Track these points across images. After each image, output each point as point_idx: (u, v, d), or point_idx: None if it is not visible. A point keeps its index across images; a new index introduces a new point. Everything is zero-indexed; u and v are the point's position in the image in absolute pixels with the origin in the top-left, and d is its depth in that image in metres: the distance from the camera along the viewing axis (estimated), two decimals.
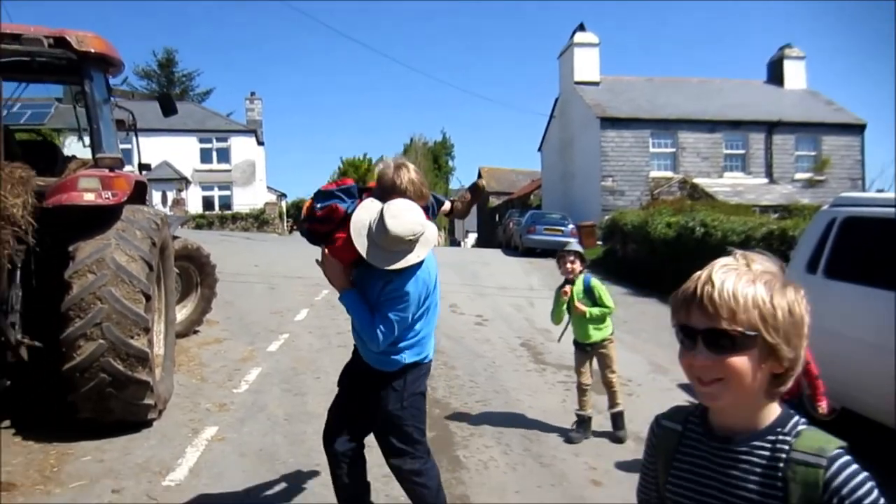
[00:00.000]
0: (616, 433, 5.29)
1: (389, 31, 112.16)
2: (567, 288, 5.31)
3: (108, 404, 4.68)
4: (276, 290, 12.12)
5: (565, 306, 5.34)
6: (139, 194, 5.40)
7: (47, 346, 4.57)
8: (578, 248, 5.51)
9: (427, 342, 3.21)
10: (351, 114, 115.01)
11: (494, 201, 45.91)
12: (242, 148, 38.68)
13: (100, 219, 4.78)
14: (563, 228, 21.56)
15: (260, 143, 40.33)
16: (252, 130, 39.30)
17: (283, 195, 47.65)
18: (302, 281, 12.60)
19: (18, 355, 4.50)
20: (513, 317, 10.83)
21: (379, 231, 2.87)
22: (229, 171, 38.33)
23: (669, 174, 24.25)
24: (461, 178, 71.91)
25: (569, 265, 5.33)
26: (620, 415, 5.33)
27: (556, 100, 29.43)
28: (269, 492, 4.13)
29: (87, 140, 5.37)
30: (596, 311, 5.24)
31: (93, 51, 4.94)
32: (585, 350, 5.36)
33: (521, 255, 21.66)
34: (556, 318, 5.46)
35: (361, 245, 2.91)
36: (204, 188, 38.05)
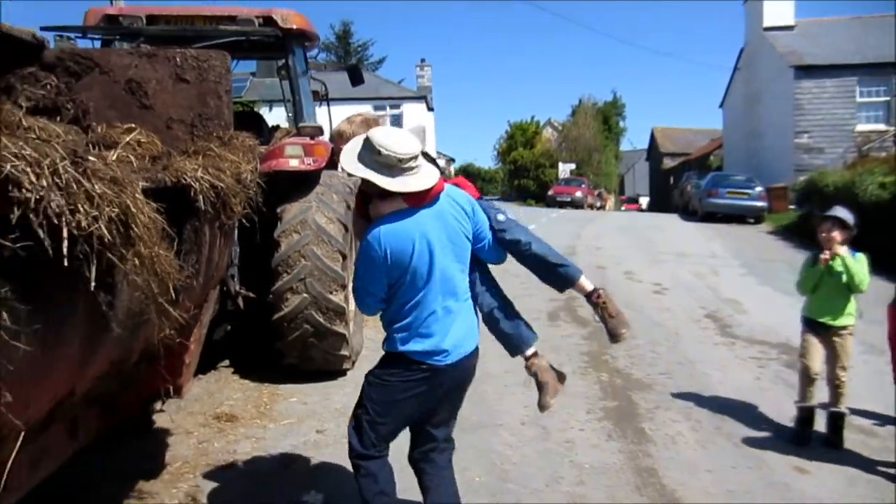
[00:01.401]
0: (833, 439, 4.48)
1: None
2: (827, 255, 4.48)
3: (310, 353, 5.12)
4: None
5: (818, 276, 4.55)
6: (332, 160, 5.74)
7: (259, 297, 5.05)
8: (841, 215, 4.53)
9: (416, 338, 2.60)
10: (518, 76, 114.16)
11: (668, 163, 43.49)
12: (413, 114, 39.81)
13: (302, 183, 5.16)
14: (749, 191, 19.93)
15: (430, 108, 41.31)
16: (422, 97, 40.31)
17: (451, 160, 48.69)
18: None
19: (237, 304, 5.02)
20: (695, 285, 10.24)
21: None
22: None
23: (882, 127, 21.33)
24: (633, 140, 68.81)
25: (823, 234, 4.53)
26: (841, 418, 4.52)
27: (742, 50, 26.97)
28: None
29: (289, 109, 5.78)
30: (857, 269, 4.39)
31: (295, 27, 5.29)
32: (818, 331, 4.59)
33: (700, 220, 20.37)
34: (804, 286, 4.69)
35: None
36: None
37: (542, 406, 3.03)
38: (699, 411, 5.04)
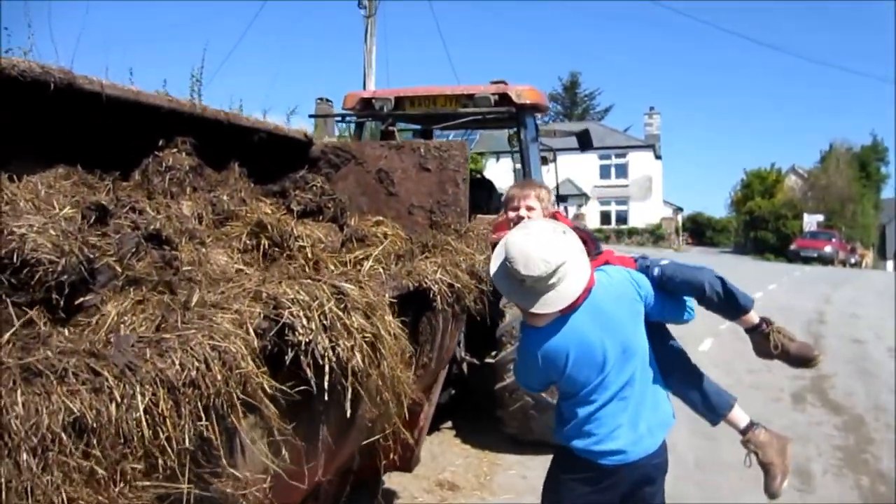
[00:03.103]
0: None
1: (797, 28, 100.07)
2: None
3: (530, 424, 5.11)
4: None
5: None
6: None
7: (482, 365, 5.19)
8: None
9: (578, 431, 2.38)
10: (757, 121, 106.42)
11: None
12: (640, 163, 38.97)
13: None
14: None
15: (657, 157, 40.09)
16: (650, 145, 39.31)
17: (679, 209, 46.48)
18: None
19: (461, 370, 5.20)
20: None
21: None
22: (626, 185, 39.01)
23: None
24: None
25: None
26: None
27: None
28: None
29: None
30: None
31: (528, 102, 5.48)
32: None
33: None
34: None
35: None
36: (602, 203, 39.47)
37: (770, 493, 2.57)
38: None
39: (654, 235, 37.59)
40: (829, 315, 12.37)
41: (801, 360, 2.60)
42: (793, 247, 30.06)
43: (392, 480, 4.32)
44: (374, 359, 1.57)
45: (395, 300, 1.84)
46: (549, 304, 2.16)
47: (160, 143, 2.54)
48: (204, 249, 1.91)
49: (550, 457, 5.24)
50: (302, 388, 1.39)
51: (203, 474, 1.15)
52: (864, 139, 42.07)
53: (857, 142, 40.35)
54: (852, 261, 32.16)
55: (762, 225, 36.21)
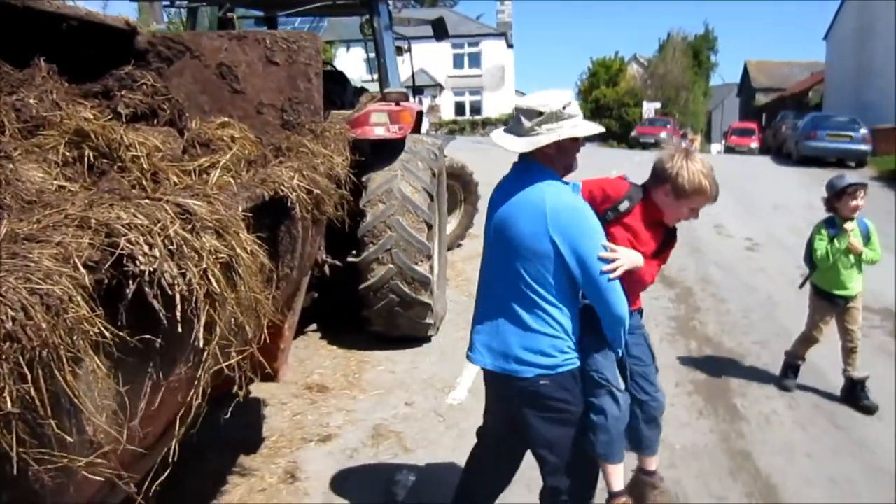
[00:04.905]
0: (863, 403, 4.55)
1: None
2: (850, 225, 4.52)
3: (396, 321, 5.19)
4: None
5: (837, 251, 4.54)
6: (417, 123, 5.66)
7: (345, 266, 5.11)
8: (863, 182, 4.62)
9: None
10: (604, 10, 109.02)
11: (762, 99, 40.95)
12: (493, 52, 38.90)
13: (387, 150, 5.10)
14: (852, 133, 18.49)
15: (510, 45, 40.19)
16: (502, 34, 39.19)
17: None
18: None
19: (323, 272, 5.10)
20: (790, 242, 9.66)
21: None
22: (480, 75, 38.98)
23: None
24: (723, 74, 64.85)
25: (855, 202, 4.46)
26: (863, 382, 4.63)
27: None
28: None
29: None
30: (872, 254, 4.57)
31: None
32: (834, 303, 4.68)
33: (797, 165, 19.18)
34: (827, 258, 4.57)
35: None
36: (456, 93, 39.33)
37: None
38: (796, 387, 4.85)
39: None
40: None
41: None
42: (633, 133, 32.02)
43: (260, 389, 4.25)
44: (231, 282, 1.43)
45: (249, 213, 1.67)
46: (505, 141, 2.37)
47: None
48: (11, 165, 1.60)
49: (416, 350, 5.43)
50: (148, 326, 1.24)
51: (34, 444, 0.99)
52: (698, 28, 44.74)
53: (692, 30, 42.83)
54: (683, 145, 34.94)
55: (607, 113, 38.04)
